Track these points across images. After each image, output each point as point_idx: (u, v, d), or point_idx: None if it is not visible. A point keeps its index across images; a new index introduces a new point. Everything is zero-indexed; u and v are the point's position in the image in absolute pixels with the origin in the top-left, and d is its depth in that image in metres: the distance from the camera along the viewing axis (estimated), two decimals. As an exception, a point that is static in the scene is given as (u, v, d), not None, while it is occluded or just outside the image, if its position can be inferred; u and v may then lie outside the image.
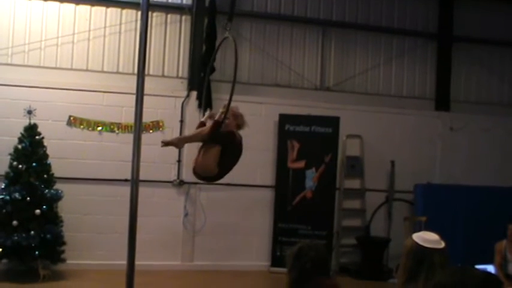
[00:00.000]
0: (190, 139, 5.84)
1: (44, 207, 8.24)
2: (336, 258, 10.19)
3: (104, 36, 9.60)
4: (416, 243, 3.27)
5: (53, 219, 8.44)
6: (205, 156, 5.26)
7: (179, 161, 9.69)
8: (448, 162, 10.89)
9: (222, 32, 9.77)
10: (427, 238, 3.29)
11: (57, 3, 9.43)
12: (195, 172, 5.42)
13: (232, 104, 5.37)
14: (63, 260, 8.54)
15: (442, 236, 3.36)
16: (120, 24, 9.64)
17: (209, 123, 5.47)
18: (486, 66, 11.29)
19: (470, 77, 11.29)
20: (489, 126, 10.98)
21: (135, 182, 4.77)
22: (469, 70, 11.27)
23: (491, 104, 11.31)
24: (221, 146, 5.23)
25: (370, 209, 10.46)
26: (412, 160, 10.64)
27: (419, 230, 3.66)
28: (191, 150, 9.69)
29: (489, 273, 2.04)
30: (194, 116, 9.74)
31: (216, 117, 5.49)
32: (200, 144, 5.47)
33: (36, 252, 8.12)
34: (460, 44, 11.13)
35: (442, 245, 3.27)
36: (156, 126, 9.62)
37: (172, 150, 9.58)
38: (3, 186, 8.33)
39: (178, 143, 5.58)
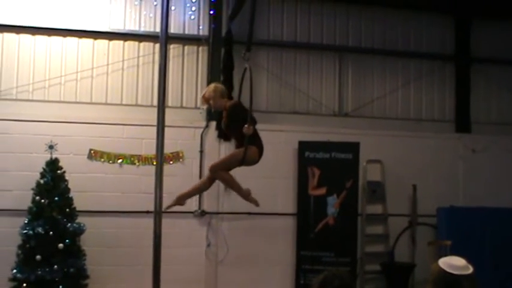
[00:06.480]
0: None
1: (67, 241, 8.25)
2: (361, 285, 10.06)
3: (122, 69, 9.70)
4: (444, 270, 3.20)
5: (75, 253, 8.44)
6: (249, 153, 6.10)
7: (200, 191, 9.68)
8: (471, 184, 10.74)
9: (241, 62, 9.87)
10: (453, 264, 3.22)
11: (76, 38, 9.56)
12: (242, 164, 6.21)
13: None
14: (87, 294, 8.54)
15: (468, 260, 3.30)
16: (138, 57, 9.74)
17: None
18: (506, 86, 11.19)
19: (490, 98, 11.20)
20: (512, 147, 10.88)
21: (158, 214, 4.78)
22: (488, 91, 11.18)
23: (513, 124, 11.20)
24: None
25: (393, 234, 10.34)
26: (434, 183, 10.52)
27: (444, 255, 3.60)
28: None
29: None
30: (214, 146, 9.76)
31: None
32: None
33: (60, 287, 8.10)
34: (478, 65, 11.07)
35: (470, 270, 3.20)
36: (176, 157, 9.64)
37: (193, 181, 9.67)
38: (26, 221, 8.37)
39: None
